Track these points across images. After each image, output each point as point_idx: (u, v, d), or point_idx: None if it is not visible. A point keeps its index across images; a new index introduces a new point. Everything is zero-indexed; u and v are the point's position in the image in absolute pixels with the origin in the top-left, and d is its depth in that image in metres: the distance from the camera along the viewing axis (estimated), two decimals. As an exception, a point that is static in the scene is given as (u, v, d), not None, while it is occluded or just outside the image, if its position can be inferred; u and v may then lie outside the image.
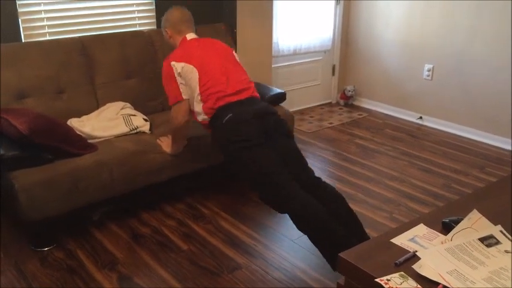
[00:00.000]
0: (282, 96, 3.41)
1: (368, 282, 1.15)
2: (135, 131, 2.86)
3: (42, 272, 2.31)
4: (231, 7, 3.70)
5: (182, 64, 2.52)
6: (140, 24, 3.44)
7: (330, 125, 4.38)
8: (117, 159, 2.58)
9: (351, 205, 2.91)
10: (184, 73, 2.52)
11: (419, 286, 1.10)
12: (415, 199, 3.05)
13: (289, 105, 4.17)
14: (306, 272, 2.34)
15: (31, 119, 2.34)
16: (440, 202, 3.00)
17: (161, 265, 2.37)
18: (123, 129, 2.82)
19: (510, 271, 1.15)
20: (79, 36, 3.07)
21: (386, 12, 4.46)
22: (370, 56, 4.72)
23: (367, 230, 2.48)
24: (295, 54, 4.50)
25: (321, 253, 2.20)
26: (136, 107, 3.09)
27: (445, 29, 4.05)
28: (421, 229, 1.35)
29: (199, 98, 2.51)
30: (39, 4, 2.97)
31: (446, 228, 1.35)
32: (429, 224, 1.37)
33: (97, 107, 3.00)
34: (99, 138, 2.74)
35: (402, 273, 1.15)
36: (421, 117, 4.42)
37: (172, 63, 2.54)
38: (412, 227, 1.36)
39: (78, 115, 2.89)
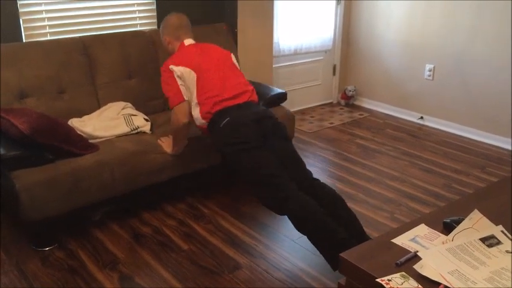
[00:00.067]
0: (282, 96, 3.41)
1: (369, 282, 1.15)
2: (136, 131, 2.86)
3: (43, 272, 2.31)
4: (232, 7, 3.70)
5: (181, 68, 2.55)
6: (141, 24, 3.45)
7: (331, 125, 4.38)
8: (118, 159, 2.58)
9: (352, 205, 2.92)
10: (183, 76, 2.55)
11: (420, 286, 1.10)
12: (416, 199, 3.05)
13: (290, 105, 4.17)
14: (307, 272, 2.34)
15: (32, 119, 2.34)
16: (441, 202, 3.00)
17: (162, 265, 2.37)
18: (124, 129, 2.82)
19: (511, 271, 1.15)
20: (80, 36, 3.07)
21: (387, 12, 4.45)
22: (371, 56, 4.72)
23: (368, 230, 2.48)
24: (296, 54, 4.50)
25: (321, 254, 2.20)
26: (137, 107, 3.09)
27: (446, 29, 4.05)
28: (422, 229, 1.35)
29: (196, 101, 2.54)
30: (40, 4, 2.97)
31: (447, 228, 1.35)
32: (430, 224, 1.37)
33: (98, 107, 3.00)
34: (100, 138, 2.74)
35: (403, 273, 1.15)
36: (422, 117, 4.42)
37: (171, 66, 2.57)
38: (413, 227, 1.36)
39: (79, 115, 2.89)
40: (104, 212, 2.70)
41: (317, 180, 2.42)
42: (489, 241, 1.26)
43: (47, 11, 3.02)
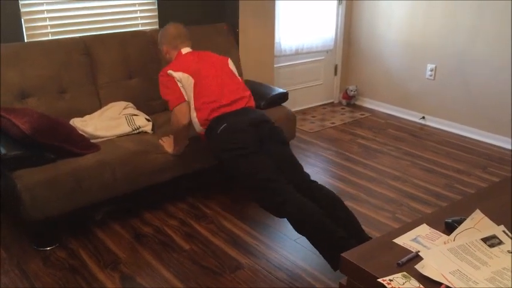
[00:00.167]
0: (284, 96, 3.41)
1: (370, 282, 1.15)
2: (138, 130, 2.87)
3: (44, 271, 2.32)
4: (233, 7, 3.70)
5: (179, 73, 2.60)
6: (142, 24, 3.45)
7: (332, 125, 4.38)
8: (119, 159, 2.58)
9: (353, 205, 2.92)
10: (182, 81, 2.60)
11: (421, 286, 1.10)
12: (417, 199, 3.05)
13: (292, 105, 4.17)
14: (308, 272, 2.34)
15: (34, 119, 2.34)
16: (442, 202, 3.00)
17: (163, 265, 2.37)
18: (125, 129, 2.82)
19: (513, 271, 1.15)
20: (81, 36, 3.08)
21: (389, 12, 4.45)
22: (372, 56, 4.72)
23: (369, 230, 2.48)
24: (297, 54, 4.49)
25: (321, 254, 2.21)
26: (139, 106, 3.09)
27: (447, 29, 4.05)
28: (423, 229, 1.35)
29: (193, 106, 2.59)
30: (41, 4, 2.98)
31: (449, 229, 1.35)
32: (432, 224, 1.37)
33: (99, 107, 3.00)
34: (102, 138, 2.74)
35: (405, 273, 1.15)
36: (423, 117, 4.42)
37: (169, 71, 2.61)
38: (415, 227, 1.36)
39: (81, 115, 2.89)
40: (106, 212, 2.70)
41: (315, 182, 2.45)
42: (491, 241, 1.25)
43: (49, 11, 3.02)
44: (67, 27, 3.12)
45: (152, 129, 2.92)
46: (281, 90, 3.44)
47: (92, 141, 2.66)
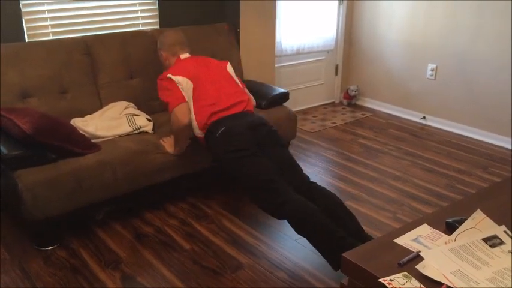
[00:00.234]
0: (285, 96, 3.41)
1: (371, 283, 1.15)
2: (138, 130, 2.87)
3: (45, 271, 2.32)
4: (234, 7, 3.70)
5: (178, 77, 2.63)
6: (143, 24, 3.45)
7: (333, 125, 4.38)
8: (120, 159, 2.59)
9: (354, 205, 2.92)
10: (181, 85, 2.62)
11: (422, 286, 1.10)
12: (418, 199, 3.05)
13: (293, 105, 4.16)
14: (309, 272, 2.34)
15: (35, 119, 2.34)
16: (443, 202, 3.00)
17: (164, 264, 2.38)
18: (126, 129, 2.82)
19: (514, 271, 1.15)
20: (82, 36, 3.08)
21: (390, 12, 4.45)
22: (373, 56, 4.71)
23: (370, 230, 2.48)
24: (298, 54, 4.49)
25: (322, 255, 2.21)
26: (140, 106, 3.09)
27: (448, 28, 4.04)
28: (424, 229, 1.35)
29: (192, 109, 2.62)
30: (42, 4, 2.98)
31: (450, 229, 1.35)
32: (433, 224, 1.37)
33: (100, 107, 3.00)
34: (103, 137, 2.74)
35: (406, 273, 1.15)
36: (424, 117, 4.41)
37: (169, 75, 2.65)
38: (416, 227, 1.36)
39: (81, 115, 2.89)
40: (106, 212, 2.70)
41: (314, 183, 2.47)
42: (492, 241, 1.25)
43: (50, 11, 3.02)
44: (68, 27, 3.12)
45: (153, 129, 2.92)
46: (282, 90, 3.44)
47: (93, 141, 2.67)
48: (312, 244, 2.23)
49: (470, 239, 1.25)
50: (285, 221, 2.31)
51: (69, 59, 2.94)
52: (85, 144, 2.58)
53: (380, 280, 1.12)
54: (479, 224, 1.32)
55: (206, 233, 2.65)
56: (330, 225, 2.18)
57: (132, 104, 3.05)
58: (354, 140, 4.02)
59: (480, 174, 3.42)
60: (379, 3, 4.51)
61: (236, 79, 2.86)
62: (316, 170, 3.44)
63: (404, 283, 1.11)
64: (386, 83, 4.67)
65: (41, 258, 2.41)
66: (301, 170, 2.51)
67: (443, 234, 1.33)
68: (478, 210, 1.35)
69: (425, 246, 1.26)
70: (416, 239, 1.30)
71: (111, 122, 2.83)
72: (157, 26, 3.47)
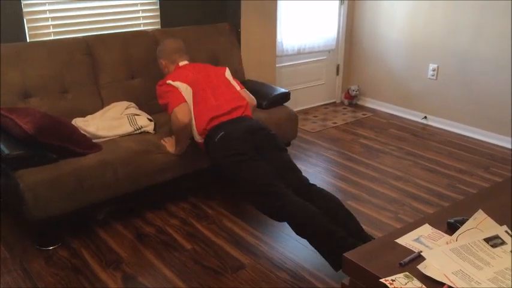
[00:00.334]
0: (286, 96, 3.41)
1: (373, 283, 1.15)
2: (140, 130, 2.87)
3: (47, 271, 2.32)
4: (235, 7, 3.71)
5: (178, 83, 2.66)
6: (144, 24, 3.45)
7: (334, 125, 4.38)
8: (121, 159, 2.59)
9: (355, 205, 2.92)
10: (181, 89, 2.64)
11: (424, 286, 1.10)
12: (419, 199, 3.05)
13: (293, 105, 4.16)
14: (310, 272, 2.34)
15: (36, 119, 2.35)
16: (445, 202, 3.00)
17: (165, 264, 2.38)
18: (127, 129, 2.82)
19: (516, 272, 1.15)
20: (83, 36, 3.08)
21: (391, 12, 4.45)
22: (374, 56, 4.71)
23: (371, 230, 2.48)
24: (299, 53, 4.49)
25: (322, 256, 2.21)
26: (141, 106, 3.10)
27: (449, 28, 4.04)
28: (426, 229, 1.35)
29: (192, 115, 2.64)
30: (43, 4, 2.98)
31: (451, 229, 1.34)
32: (434, 224, 1.37)
33: (101, 107, 3.00)
34: (104, 137, 2.74)
35: (407, 273, 1.15)
36: (425, 117, 4.41)
37: (168, 81, 2.67)
38: (417, 227, 1.36)
39: (83, 115, 2.90)
40: (108, 212, 2.71)
41: (314, 185, 2.47)
42: (493, 241, 1.25)
43: (51, 11, 3.03)
44: (69, 27, 3.13)
45: (154, 129, 2.92)
46: (283, 90, 3.44)
47: (94, 141, 2.67)
48: (312, 246, 2.24)
49: (472, 239, 1.25)
50: (286, 221, 2.31)
51: (71, 59, 2.94)
52: (86, 144, 2.58)
53: (381, 280, 1.12)
54: (480, 224, 1.31)
55: (207, 233, 2.65)
56: (330, 226, 2.19)
57: (133, 104, 3.05)
58: (355, 140, 4.02)
59: (481, 174, 3.42)
60: (380, 3, 4.51)
61: (235, 84, 2.88)
62: (317, 170, 3.44)
63: (406, 283, 1.11)
64: (387, 83, 4.67)
65: (42, 258, 2.42)
66: (301, 172, 2.53)
67: (444, 234, 1.32)
68: (480, 210, 1.35)
69: (427, 246, 1.26)
70: (417, 239, 1.30)
71: (112, 122, 2.83)
72: (158, 26, 3.48)
